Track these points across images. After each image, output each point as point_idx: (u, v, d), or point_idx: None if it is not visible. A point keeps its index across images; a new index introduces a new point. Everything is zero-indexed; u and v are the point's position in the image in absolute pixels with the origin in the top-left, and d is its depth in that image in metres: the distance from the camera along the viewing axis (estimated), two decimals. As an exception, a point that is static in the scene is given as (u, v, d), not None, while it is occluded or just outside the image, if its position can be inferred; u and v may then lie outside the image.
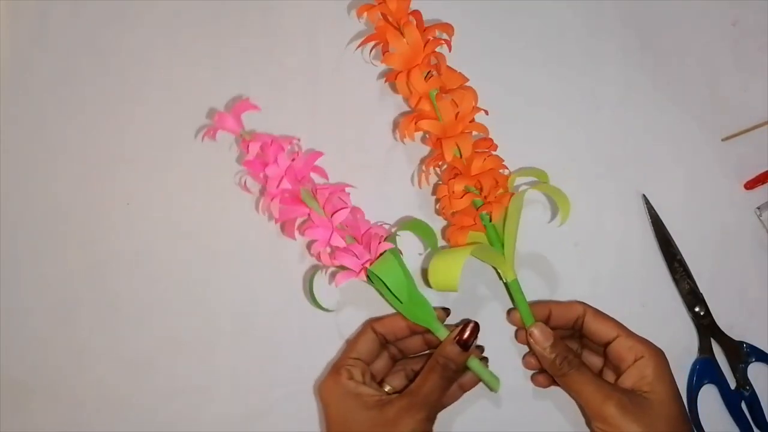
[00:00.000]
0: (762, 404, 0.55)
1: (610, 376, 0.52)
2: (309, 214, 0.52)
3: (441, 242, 0.57)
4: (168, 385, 0.57)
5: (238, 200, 0.57)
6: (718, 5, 0.60)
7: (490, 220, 0.53)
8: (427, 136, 0.55)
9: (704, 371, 0.55)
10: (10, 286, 0.58)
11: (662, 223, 0.57)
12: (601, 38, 0.60)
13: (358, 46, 0.55)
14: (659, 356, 0.50)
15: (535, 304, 0.53)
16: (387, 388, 0.53)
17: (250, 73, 0.59)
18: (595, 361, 0.53)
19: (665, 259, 0.57)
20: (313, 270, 0.55)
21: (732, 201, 0.58)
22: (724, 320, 0.56)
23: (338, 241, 0.51)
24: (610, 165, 0.58)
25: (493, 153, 0.54)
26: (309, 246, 0.53)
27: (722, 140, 0.58)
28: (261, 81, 0.59)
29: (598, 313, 0.52)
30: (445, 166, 0.55)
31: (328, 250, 0.51)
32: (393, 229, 0.56)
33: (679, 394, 0.50)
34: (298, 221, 0.54)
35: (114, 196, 0.59)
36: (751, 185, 0.58)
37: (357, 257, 0.51)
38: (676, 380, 0.50)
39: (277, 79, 0.60)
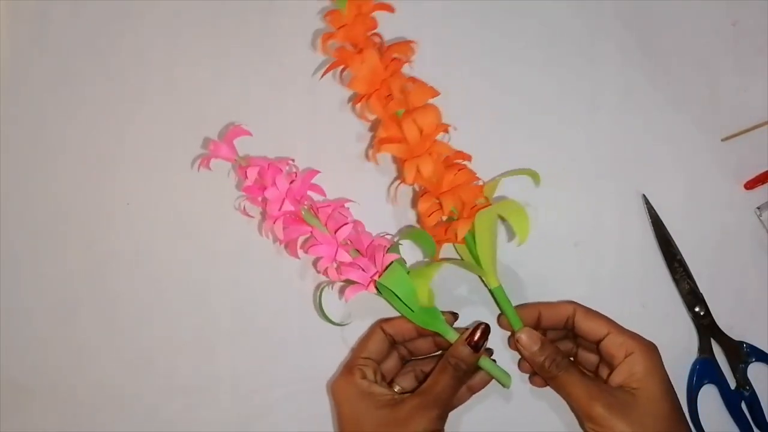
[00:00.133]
0: (762, 404, 0.55)
1: (605, 373, 0.52)
2: (311, 232, 0.52)
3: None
4: (168, 385, 0.57)
5: (237, 200, 0.57)
6: (718, 5, 0.60)
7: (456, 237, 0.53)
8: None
9: (704, 371, 0.55)
10: (10, 286, 0.58)
11: (662, 223, 0.57)
12: (601, 38, 0.60)
13: (322, 76, 0.55)
14: (649, 352, 0.50)
15: (524, 307, 0.53)
16: (397, 389, 0.53)
17: (250, 73, 0.60)
18: (592, 359, 0.53)
19: (665, 259, 0.57)
20: (321, 285, 0.56)
21: (732, 201, 0.58)
22: (724, 320, 0.56)
23: (344, 257, 0.51)
24: (610, 165, 0.58)
25: (468, 165, 0.54)
26: (315, 263, 0.53)
27: (722, 140, 0.58)
28: (261, 81, 0.59)
29: (588, 311, 0.52)
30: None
31: (335, 265, 0.52)
32: (395, 239, 0.56)
33: (672, 391, 0.50)
34: (300, 240, 0.54)
35: (114, 196, 0.59)
36: (751, 185, 0.58)
37: (364, 270, 0.51)
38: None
39: (277, 79, 0.60)
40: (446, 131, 0.54)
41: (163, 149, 0.59)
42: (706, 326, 0.56)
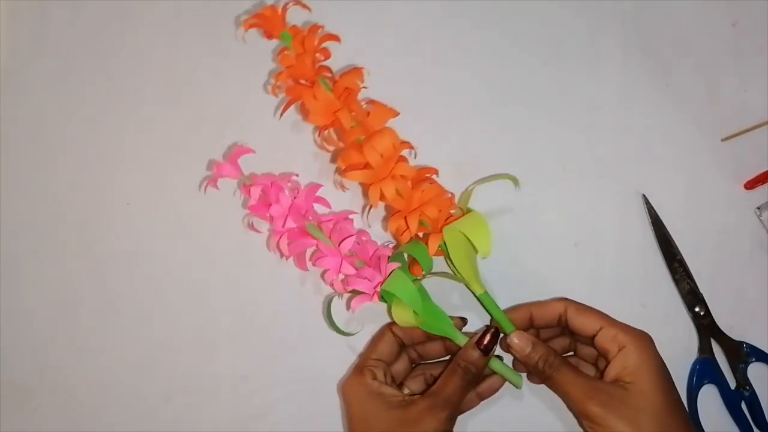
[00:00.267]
0: (762, 404, 0.55)
1: (604, 366, 0.51)
2: (317, 245, 0.52)
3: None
4: (168, 385, 0.57)
5: (237, 200, 0.57)
6: (718, 5, 0.60)
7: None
8: None
9: (704, 371, 0.55)
10: (10, 286, 0.58)
11: (662, 223, 0.57)
12: (601, 38, 0.60)
13: (281, 115, 0.55)
14: (643, 344, 0.49)
15: (514, 309, 0.53)
16: (406, 391, 0.53)
17: (250, 74, 0.59)
18: (592, 352, 0.53)
19: (665, 259, 0.57)
20: (330, 296, 0.56)
21: (732, 201, 0.58)
22: (724, 320, 0.56)
23: (348, 269, 0.52)
24: (610, 165, 0.58)
25: (436, 180, 0.54)
26: (322, 275, 0.53)
27: (722, 140, 0.58)
28: (261, 81, 0.59)
29: (580, 307, 0.52)
30: None
31: (341, 277, 0.52)
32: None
33: (666, 383, 0.49)
34: (309, 252, 0.54)
35: (114, 196, 0.59)
36: (751, 185, 0.58)
37: (369, 280, 0.51)
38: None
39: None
40: (410, 148, 0.54)
41: (163, 149, 0.59)
42: (706, 326, 0.56)
